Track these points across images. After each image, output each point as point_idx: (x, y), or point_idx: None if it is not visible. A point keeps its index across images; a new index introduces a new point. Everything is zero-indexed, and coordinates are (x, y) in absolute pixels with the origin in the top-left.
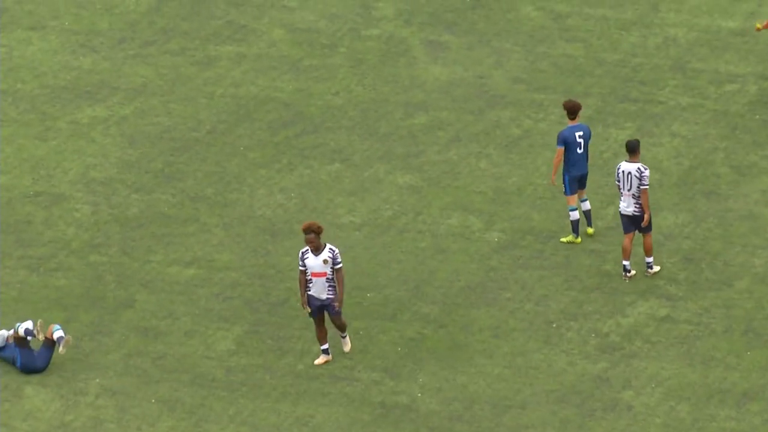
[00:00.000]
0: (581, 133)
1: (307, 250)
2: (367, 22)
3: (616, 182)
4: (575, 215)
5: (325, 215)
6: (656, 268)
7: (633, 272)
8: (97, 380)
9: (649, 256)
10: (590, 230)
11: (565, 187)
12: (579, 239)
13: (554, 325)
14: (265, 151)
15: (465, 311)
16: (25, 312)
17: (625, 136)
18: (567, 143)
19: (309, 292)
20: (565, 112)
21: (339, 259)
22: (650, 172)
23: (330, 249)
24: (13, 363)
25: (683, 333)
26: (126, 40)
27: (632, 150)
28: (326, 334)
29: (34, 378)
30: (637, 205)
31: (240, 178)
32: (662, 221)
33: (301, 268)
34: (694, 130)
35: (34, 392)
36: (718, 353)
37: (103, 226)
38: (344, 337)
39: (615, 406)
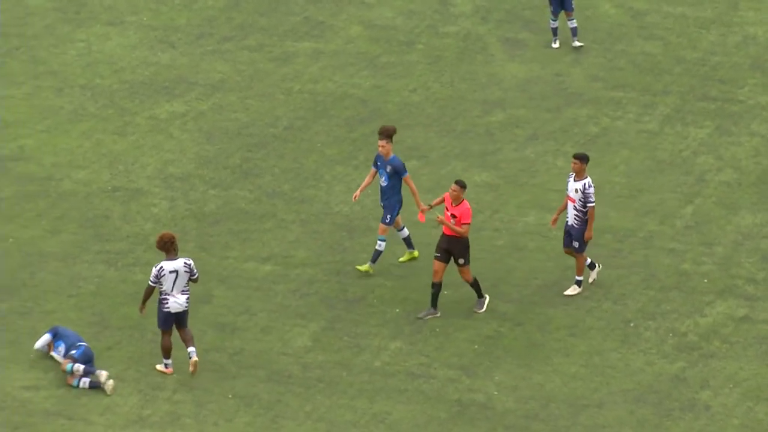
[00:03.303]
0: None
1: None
2: (444, 19)
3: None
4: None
5: (402, 213)
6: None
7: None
8: (175, 375)
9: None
10: (408, 256)
11: (393, 216)
12: (416, 252)
13: (632, 324)
14: (342, 148)
15: (542, 309)
16: (102, 306)
17: (703, 134)
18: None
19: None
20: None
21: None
22: (729, 171)
23: (185, 262)
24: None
25: (762, 333)
26: (204, 35)
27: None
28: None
29: (112, 372)
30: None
31: (317, 175)
32: (741, 221)
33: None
34: None
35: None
36: None
37: (181, 221)
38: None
39: (692, 406)
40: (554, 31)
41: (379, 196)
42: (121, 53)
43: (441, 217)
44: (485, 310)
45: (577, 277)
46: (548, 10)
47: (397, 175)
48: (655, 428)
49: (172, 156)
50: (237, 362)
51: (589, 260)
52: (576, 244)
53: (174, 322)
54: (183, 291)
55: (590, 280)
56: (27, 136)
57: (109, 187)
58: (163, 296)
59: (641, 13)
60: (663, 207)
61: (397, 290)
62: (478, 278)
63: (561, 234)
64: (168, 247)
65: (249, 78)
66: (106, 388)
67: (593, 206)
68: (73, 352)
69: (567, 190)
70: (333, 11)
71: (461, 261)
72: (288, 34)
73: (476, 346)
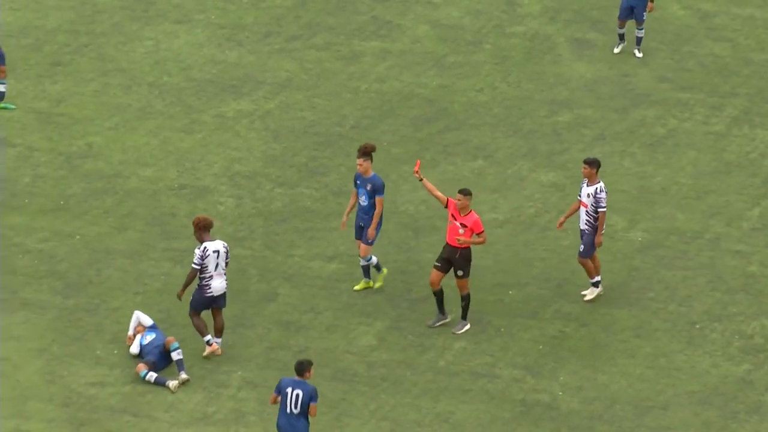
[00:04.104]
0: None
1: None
2: (512, 18)
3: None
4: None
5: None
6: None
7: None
8: (239, 373)
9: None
10: (360, 286)
11: (376, 234)
12: (372, 282)
13: (698, 326)
14: (409, 147)
15: (607, 310)
16: (168, 304)
17: None
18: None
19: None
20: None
21: (195, 259)
22: None
23: (224, 244)
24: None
25: None
26: (272, 34)
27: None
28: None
29: (172, 370)
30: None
31: (383, 174)
32: None
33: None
34: None
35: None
36: None
37: (247, 219)
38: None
39: (758, 408)
40: (621, 36)
41: (356, 216)
42: (189, 51)
43: (462, 239)
44: (464, 332)
45: (592, 280)
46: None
47: (375, 193)
48: (720, 431)
49: (239, 154)
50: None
51: (599, 278)
52: (581, 248)
53: (213, 304)
54: (223, 273)
55: (587, 297)
56: (95, 134)
57: (176, 185)
58: (205, 281)
59: (710, 14)
60: (730, 209)
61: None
62: (542, 279)
63: (628, 236)
64: (209, 227)
65: (316, 77)
66: (170, 385)
67: (604, 212)
68: (151, 358)
69: (579, 194)
70: (400, 11)
71: (460, 273)
72: (355, 33)
73: (541, 347)
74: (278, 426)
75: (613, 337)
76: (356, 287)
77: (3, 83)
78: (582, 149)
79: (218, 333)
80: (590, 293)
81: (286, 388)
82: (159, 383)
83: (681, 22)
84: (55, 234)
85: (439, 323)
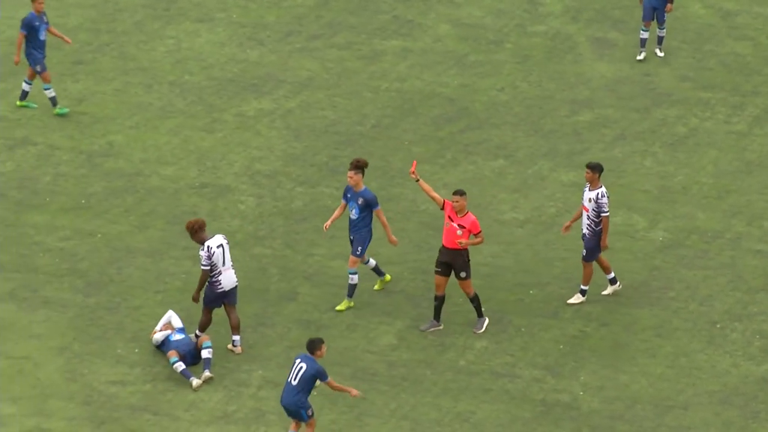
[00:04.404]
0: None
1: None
2: (533, 18)
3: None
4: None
5: (489, 211)
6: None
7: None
8: (260, 372)
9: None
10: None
11: (364, 249)
12: (388, 277)
13: (718, 326)
14: (429, 146)
15: (628, 310)
16: (189, 303)
17: None
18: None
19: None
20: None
21: (203, 261)
22: None
23: (222, 236)
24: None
25: None
26: (293, 33)
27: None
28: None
29: (197, 369)
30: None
31: (404, 173)
32: None
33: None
34: None
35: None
36: None
37: (268, 218)
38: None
39: None
40: (642, 42)
41: (348, 229)
42: (210, 50)
43: (464, 241)
44: (486, 329)
45: (582, 287)
46: (640, 16)
47: (368, 207)
48: (740, 430)
49: (260, 153)
50: (322, 360)
51: (612, 275)
52: (584, 252)
53: (224, 300)
54: (230, 267)
55: (604, 292)
56: (116, 132)
57: (197, 184)
58: (215, 277)
59: (731, 13)
60: (751, 208)
61: (482, 289)
62: (563, 279)
63: (649, 235)
64: (203, 227)
65: (337, 76)
66: (192, 382)
67: (607, 216)
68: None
69: (582, 199)
70: (422, 10)
71: (462, 275)
72: (376, 32)
73: (561, 346)
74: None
75: (634, 336)
76: (376, 287)
77: (48, 88)
78: (603, 149)
79: (235, 330)
80: (576, 299)
81: (296, 359)
82: (184, 375)
83: (702, 21)
84: (76, 232)
85: (432, 329)
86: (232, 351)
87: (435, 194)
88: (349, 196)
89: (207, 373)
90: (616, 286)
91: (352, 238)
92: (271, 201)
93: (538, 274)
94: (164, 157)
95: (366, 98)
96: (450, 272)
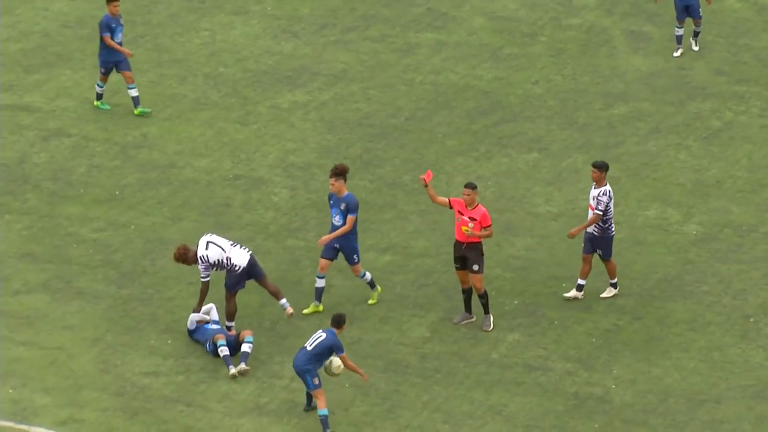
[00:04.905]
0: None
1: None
2: (568, 11)
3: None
4: (322, 283)
5: (522, 204)
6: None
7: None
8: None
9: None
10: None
11: (358, 254)
12: (321, 307)
13: (752, 320)
14: (463, 139)
15: (661, 304)
16: (221, 295)
17: None
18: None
19: None
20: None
21: (202, 273)
22: None
23: (207, 234)
24: (204, 345)
25: None
26: (327, 25)
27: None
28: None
29: (231, 360)
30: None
31: (437, 166)
32: None
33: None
34: None
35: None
36: None
37: (301, 210)
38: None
39: None
40: (678, 39)
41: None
42: (245, 42)
43: (470, 230)
44: (492, 328)
45: (611, 281)
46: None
47: (348, 212)
48: None
49: (294, 145)
50: (355, 351)
51: (584, 282)
52: (600, 252)
53: (250, 277)
54: (233, 244)
55: (566, 294)
56: (150, 124)
57: (231, 176)
58: (227, 266)
59: (767, 7)
60: None
61: (515, 282)
62: (596, 272)
63: (683, 229)
64: (188, 250)
65: (371, 68)
66: (231, 369)
67: (598, 214)
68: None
69: (589, 198)
70: (456, 2)
71: (475, 267)
72: (411, 25)
73: (594, 340)
74: None
75: (667, 330)
76: (370, 301)
77: (132, 87)
78: (637, 142)
79: (277, 296)
80: (608, 292)
81: (318, 329)
82: (225, 362)
83: (738, 14)
84: (109, 224)
85: (465, 321)
86: (290, 314)
87: (439, 198)
88: (332, 202)
89: (243, 366)
90: (578, 294)
91: (337, 246)
92: (305, 193)
93: (571, 268)
94: (198, 148)
95: (400, 91)
96: (467, 265)
